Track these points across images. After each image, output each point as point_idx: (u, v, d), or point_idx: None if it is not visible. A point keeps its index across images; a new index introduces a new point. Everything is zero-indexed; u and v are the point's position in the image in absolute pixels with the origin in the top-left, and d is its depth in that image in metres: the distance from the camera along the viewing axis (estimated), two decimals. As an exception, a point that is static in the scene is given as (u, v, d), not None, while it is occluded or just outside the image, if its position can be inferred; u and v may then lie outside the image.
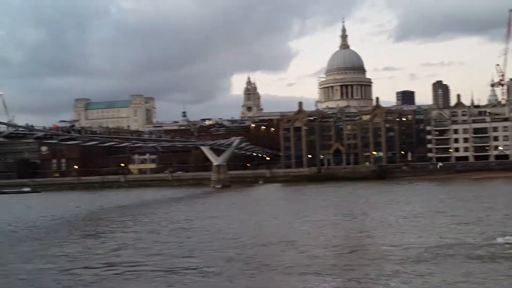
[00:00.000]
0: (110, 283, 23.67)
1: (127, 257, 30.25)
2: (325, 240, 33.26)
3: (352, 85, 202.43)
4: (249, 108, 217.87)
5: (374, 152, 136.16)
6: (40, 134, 66.46)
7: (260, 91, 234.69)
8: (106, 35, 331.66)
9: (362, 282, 21.67)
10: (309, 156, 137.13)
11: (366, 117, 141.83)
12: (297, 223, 43.76)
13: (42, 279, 24.81)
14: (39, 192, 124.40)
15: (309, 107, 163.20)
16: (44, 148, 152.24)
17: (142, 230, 43.45)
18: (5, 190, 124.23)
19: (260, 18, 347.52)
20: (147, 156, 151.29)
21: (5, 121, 71.06)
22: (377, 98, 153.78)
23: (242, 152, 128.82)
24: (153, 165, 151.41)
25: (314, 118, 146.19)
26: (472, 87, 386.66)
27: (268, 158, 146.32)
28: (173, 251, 31.18)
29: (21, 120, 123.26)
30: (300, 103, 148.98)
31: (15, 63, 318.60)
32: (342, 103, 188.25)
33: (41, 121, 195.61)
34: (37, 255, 32.40)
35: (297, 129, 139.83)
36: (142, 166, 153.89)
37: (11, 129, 61.16)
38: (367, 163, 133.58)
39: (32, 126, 67.57)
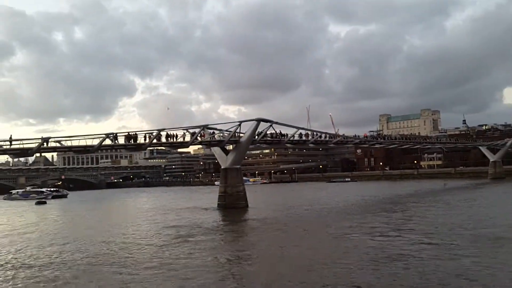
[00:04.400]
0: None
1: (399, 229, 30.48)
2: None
3: None
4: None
5: None
6: (356, 141, 76.85)
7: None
8: (399, 66, 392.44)
9: None
10: None
11: None
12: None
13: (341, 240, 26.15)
14: (356, 181, 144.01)
15: None
16: (359, 151, 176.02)
17: (428, 209, 44.24)
18: (333, 180, 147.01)
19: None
20: (434, 155, 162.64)
21: (333, 132, 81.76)
22: None
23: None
24: (439, 162, 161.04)
25: None
26: None
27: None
28: (428, 226, 31.44)
29: (343, 131, 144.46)
30: None
31: (337, 92, 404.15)
32: None
33: (356, 132, 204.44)
34: (350, 224, 33.85)
35: None
36: (431, 162, 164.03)
37: (337, 138, 70.09)
38: None
39: (358, 136, 79.69)
